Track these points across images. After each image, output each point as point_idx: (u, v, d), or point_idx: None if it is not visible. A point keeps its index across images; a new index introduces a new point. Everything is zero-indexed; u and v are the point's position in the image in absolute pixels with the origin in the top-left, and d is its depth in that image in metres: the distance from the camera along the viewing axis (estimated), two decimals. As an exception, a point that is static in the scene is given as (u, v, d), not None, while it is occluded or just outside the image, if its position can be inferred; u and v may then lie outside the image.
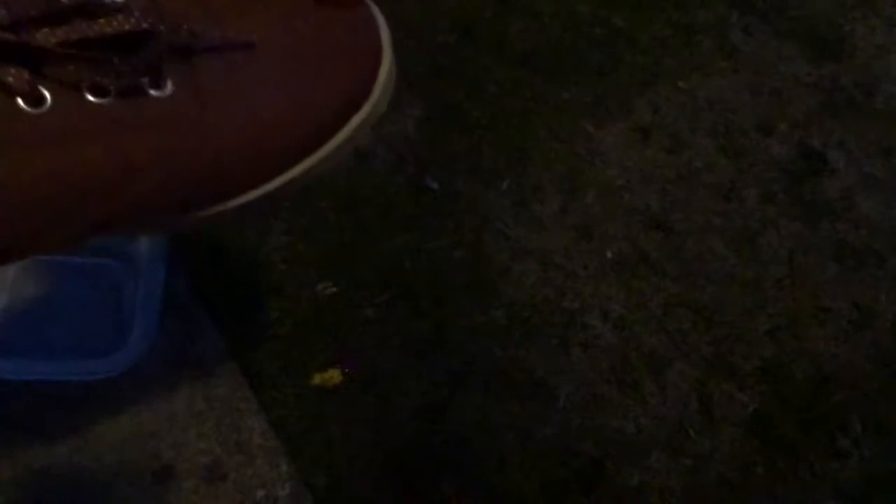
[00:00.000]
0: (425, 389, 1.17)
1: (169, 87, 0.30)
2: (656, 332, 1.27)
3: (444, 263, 1.28)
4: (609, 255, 1.32)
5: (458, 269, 1.27)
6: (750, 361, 1.26)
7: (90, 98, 0.28)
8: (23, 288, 1.10)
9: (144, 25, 0.28)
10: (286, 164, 0.34)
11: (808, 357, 1.28)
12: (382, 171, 1.34)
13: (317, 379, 1.16)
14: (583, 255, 1.32)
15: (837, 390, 1.26)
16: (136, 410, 1.07)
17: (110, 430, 1.06)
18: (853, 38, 1.63)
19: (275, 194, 0.35)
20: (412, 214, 1.31)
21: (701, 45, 1.58)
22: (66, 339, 1.08)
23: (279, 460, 1.08)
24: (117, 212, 0.30)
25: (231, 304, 1.19)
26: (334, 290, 1.23)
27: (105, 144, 0.29)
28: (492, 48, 1.50)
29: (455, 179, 1.35)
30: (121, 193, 0.30)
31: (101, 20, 0.28)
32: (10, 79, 0.26)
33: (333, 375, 1.16)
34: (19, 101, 0.27)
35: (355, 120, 0.37)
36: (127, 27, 0.28)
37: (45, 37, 0.27)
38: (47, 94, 0.27)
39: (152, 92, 0.29)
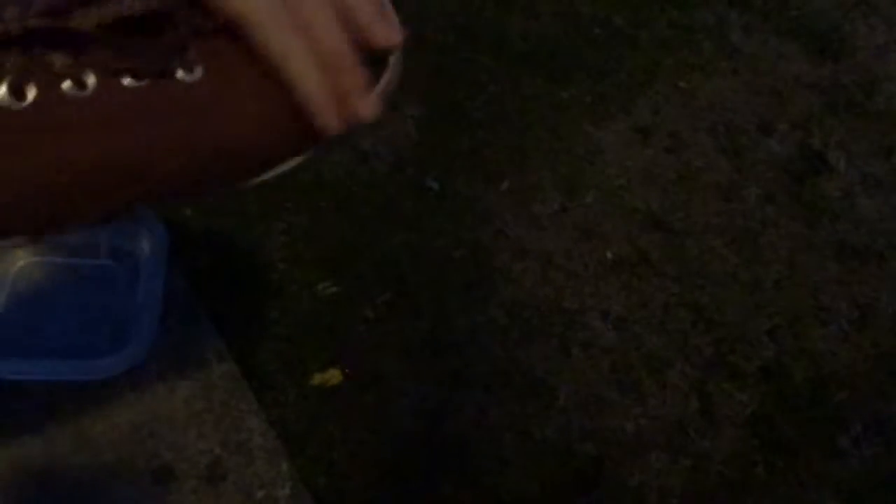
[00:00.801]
0: (425, 389, 1.17)
1: (198, 70, 0.30)
2: (656, 332, 1.27)
3: (444, 263, 1.28)
4: (609, 255, 1.32)
5: (458, 269, 1.27)
6: (750, 361, 1.26)
7: (127, 82, 0.28)
8: (23, 288, 1.10)
9: (170, 3, 0.29)
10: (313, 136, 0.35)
11: (808, 357, 1.28)
12: (382, 171, 1.34)
13: (317, 379, 1.16)
14: (583, 255, 1.32)
15: (837, 390, 1.26)
16: (135, 411, 1.07)
17: (110, 430, 1.06)
18: (853, 38, 1.63)
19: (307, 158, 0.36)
20: (412, 214, 1.31)
21: (701, 45, 1.58)
22: (66, 339, 1.08)
23: (279, 460, 1.08)
24: (152, 189, 0.31)
25: (231, 304, 1.19)
26: (334, 290, 1.23)
27: (141, 127, 0.29)
28: (492, 48, 1.51)
29: (455, 179, 1.35)
30: (154, 173, 0.30)
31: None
32: (57, 63, 0.27)
33: (333, 375, 1.16)
34: (65, 85, 0.27)
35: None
36: (155, 4, 0.28)
37: (82, 19, 0.27)
38: (90, 79, 0.27)
39: (182, 75, 0.30)
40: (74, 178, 0.28)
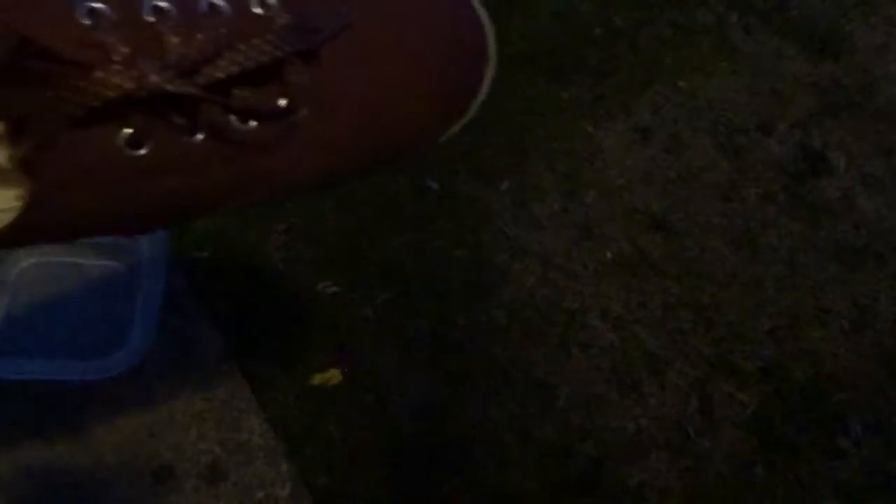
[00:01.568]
0: (425, 389, 1.17)
1: (303, 111, 0.29)
2: (656, 332, 1.27)
3: (444, 263, 1.28)
4: (609, 255, 1.32)
5: (458, 269, 1.27)
6: (750, 361, 1.26)
7: (191, 138, 0.27)
8: (23, 288, 1.10)
9: (287, 49, 0.27)
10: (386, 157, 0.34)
11: (808, 357, 1.28)
12: (382, 171, 1.34)
13: (317, 379, 1.16)
14: (583, 255, 1.32)
15: (837, 390, 1.26)
16: (136, 410, 1.07)
17: (110, 430, 1.06)
18: (853, 38, 1.63)
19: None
20: (412, 214, 1.31)
21: (701, 45, 1.58)
22: (66, 339, 1.08)
23: (279, 460, 1.08)
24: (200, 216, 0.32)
25: (231, 304, 1.19)
26: (334, 289, 1.23)
27: (191, 178, 0.28)
28: (492, 48, 1.50)
29: (455, 179, 1.35)
30: (200, 213, 0.31)
31: (242, 47, 0.26)
32: (177, 123, 0.26)
33: (333, 375, 1.16)
34: (122, 143, 0.26)
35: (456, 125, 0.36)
36: (272, 51, 0.27)
37: (209, 74, 0.26)
38: (150, 141, 0.27)
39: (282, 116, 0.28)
40: (104, 220, 0.29)
